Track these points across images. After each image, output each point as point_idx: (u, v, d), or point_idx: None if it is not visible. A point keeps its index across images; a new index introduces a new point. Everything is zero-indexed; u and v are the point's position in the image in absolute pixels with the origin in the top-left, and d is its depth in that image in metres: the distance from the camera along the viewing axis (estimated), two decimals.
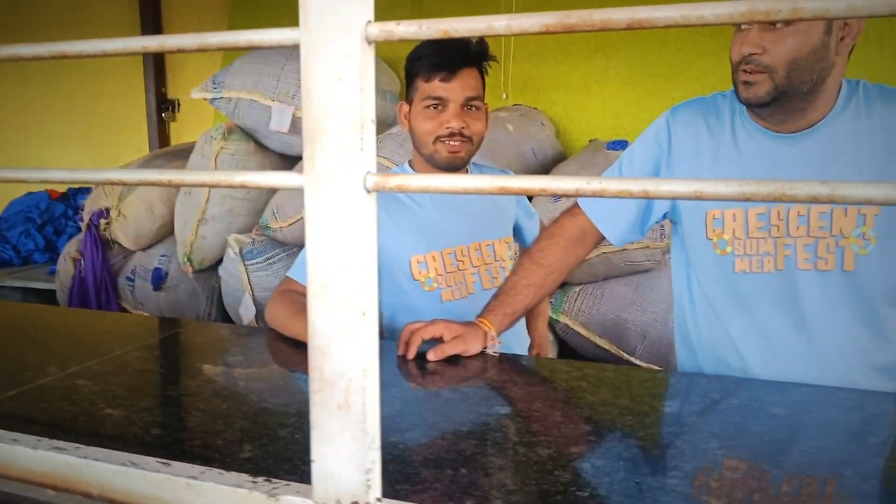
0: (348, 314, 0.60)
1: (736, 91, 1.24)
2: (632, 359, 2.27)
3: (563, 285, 2.39)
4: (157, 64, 3.74)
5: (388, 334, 1.67)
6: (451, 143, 1.55)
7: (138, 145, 3.83)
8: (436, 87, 1.54)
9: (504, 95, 3.13)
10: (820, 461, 0.94)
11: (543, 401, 1.15)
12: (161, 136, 3.76)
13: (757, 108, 1.24)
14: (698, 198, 0.48)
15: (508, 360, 1.35)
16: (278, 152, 2.70)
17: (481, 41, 1.60)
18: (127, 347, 1.40)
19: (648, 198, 0.49)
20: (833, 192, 0.46)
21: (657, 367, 2.24)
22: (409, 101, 1.61)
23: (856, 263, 1.26)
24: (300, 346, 1.36)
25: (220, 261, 2.73)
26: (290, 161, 2.74)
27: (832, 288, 1.27)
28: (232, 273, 2.62)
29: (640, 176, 1.42)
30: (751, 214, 1.30)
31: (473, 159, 1.77)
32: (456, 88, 1.54)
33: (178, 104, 3.70)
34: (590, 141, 2.93)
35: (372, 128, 0.59)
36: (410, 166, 1.67)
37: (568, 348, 2.42)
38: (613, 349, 2.28)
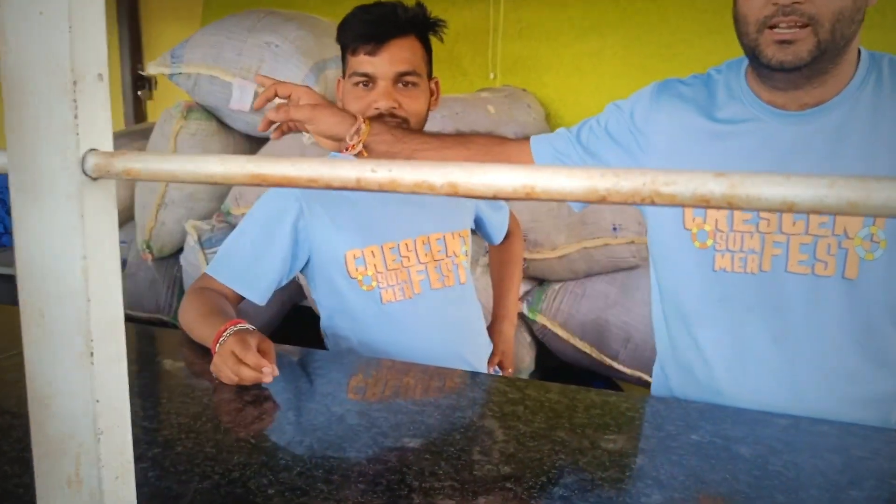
0: (73, 352, 0.42)
1: (758, 57, 1.03)
2: (614, 363, 2.08)
3: (542, 282, 2.21)
4: (132, 40, 3.55)
5: (329, 339, 1.50)
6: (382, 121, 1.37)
7: (116, 123, 3.66)
8: (362, 61, 1.36)
9: (492, 75, 2.93)
10: None
11: (464, 431, 0.97)
12: (137, 114, 3.59)
13: (789, 73, 1.02)
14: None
15: (443, 377, 1.18)
16: (243, 133, 2.53)
17: (419, 5, 1.41)
18: None
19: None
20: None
21: (640, 374, 2.05)
22: (344, 76, 1.43)
23: (860, 270, 1.07)
24: (204, 355, 1.19)
25: (181, 248, 2.57)
26: (256, 142, 2.56)
27: (827, 297, 1.08)
28: (192, 262, 2.46)
29: (603, 143, 1.22)
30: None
31: None
32: (385, 62, 1.35)
33: (155, 81, 3.53)
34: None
35: (98, 85, 0.41)
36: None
37: (546, 351, 2.24)
38: (594, 353, 2.09)
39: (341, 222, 1.41)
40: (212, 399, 1.08)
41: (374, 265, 1.40)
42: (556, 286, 2.15)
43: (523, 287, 2.17)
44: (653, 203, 0.33)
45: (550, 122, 2.85)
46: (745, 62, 1.13)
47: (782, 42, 0.99)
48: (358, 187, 0.37)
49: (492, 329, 1.70)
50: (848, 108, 1.05)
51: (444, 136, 1.31)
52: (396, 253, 1.42)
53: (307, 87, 1.23)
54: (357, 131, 1.19)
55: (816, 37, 0.98)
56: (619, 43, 2.76)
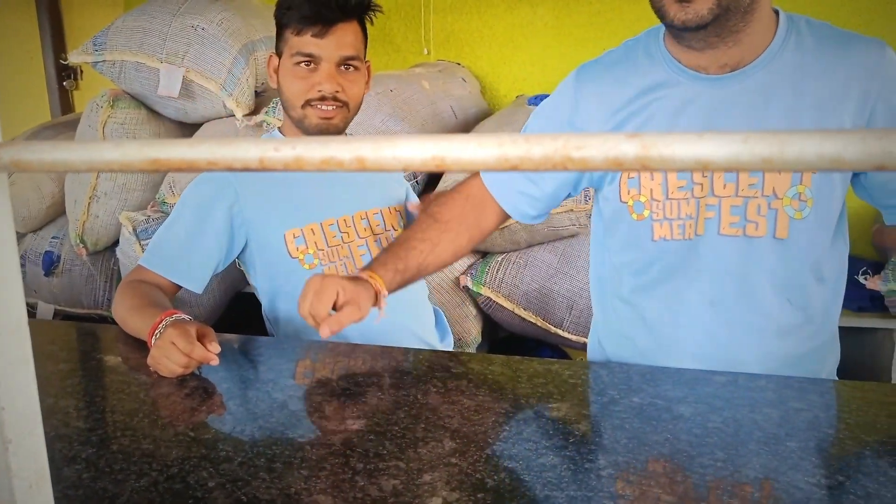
0: None
1: (665, 18, 1.03)
2: (559, 332, 2.10)
3: (484, 255, 2.21)
4: (54, 28, 3.41)
5: (272, 324, 1.47)
6: (324, 107, 1.34)
7: (41, 116, 3.53)
8: (307, 42, 1.33)
9: (426, 51, 2.90)
10: (724, 478, 0.77)
11: (408, 409, 0.97)
12: (64, 105, 3.45)
13: (695, 32, 1.02)
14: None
15: (387, 356, 1.17)
16: (175, 119, 2.46)
17: None
18: None
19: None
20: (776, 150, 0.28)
21: (586, 340, 2.07)
22: (279, 54, 1.39)
23: (790, 229, 1.08)
24: (140, 349, 1.15)
25: (117, 241, 2.49)
26: (189, 129, 2.49)
27: (759, 258, 1.10)
28: (129, 254, 2.39)
29: None
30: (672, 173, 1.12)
31: (359, 121, 1.56)
32: (331, 46, 1.33)
33: (81, 71, 3.40)
34: (516, 97, 2.72)
35: None
36: (280, 132, 1.45)
37: (493, 323, 2.25)
38: (539, 322, 2.11)
39: (277, 202, 1.38)
40: (149, 394, 1.05)
41: (315, 243, 1.38)
42: (499, 258, 2.16)
43: (466, 260, 2.17)
44: (566, 168, 0.32)
45: (486, 95, 2.84)
46: (663, 29, 1.13)
47: (682, 1, 0.99)
48: (261, 167, 0.35)
49: None
50: (770, 70, 1.06)
51: (421, 214, 1.27)
52: (336, 230, 1.40)
53: (333, 280, 1.08)
54: (381, 298, 1.13)
55: None
56: (549, 13, 2.76)
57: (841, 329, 2.15)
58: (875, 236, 2.26)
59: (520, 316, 2.12)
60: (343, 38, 1.34)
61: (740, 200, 1.08)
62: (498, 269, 2.13)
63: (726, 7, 1.00)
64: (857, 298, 2.05)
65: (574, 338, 2.10)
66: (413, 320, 1.44)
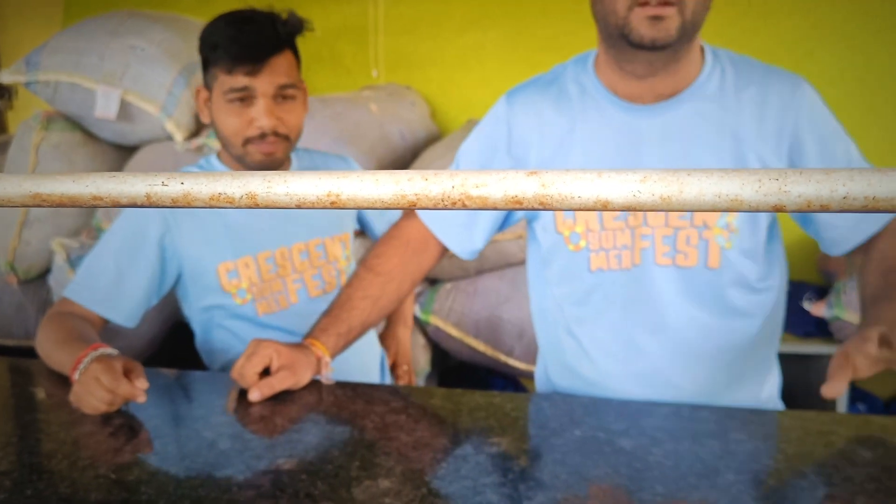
0: None
1: (627, 36, 1.02)
2: (508, 360, 2.08)
3: (434, 282, 2.18)
4: None
5: (206, 357, 1.42)
6: (265, 144, 1.29)
7: None
8: (240, 79, 1.26)
9: (375, 73, 2.88)
10: None
11: (343, 446, 0.93)
12: None
13: (657, 52, 1.02)
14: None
15: (323, 391, 1.13)
16: (112, 142, 2.38)
17: (293, 14, 1.33)
18: None
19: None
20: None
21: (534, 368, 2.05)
22: (208, 88, 1.33)
23: (721, 259, 1.08)
24: (68, 385, 1.09)
25: (50, 269, 2.40)
26: (128, 151, 2.42)
27: (693, 287, 1.10)
28: (61, 282, 2.30)
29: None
30: None
31: (305, 145, 1.53)
32: (265, 79, 1.27)
33: (16, 91, 3.30)
34: (466, 121, 2.72)
35: None
36: (219, 159, 1.41)
37: (443, 352, 2.21)
38: (489, 350, 2.08)
39: (211, 235, 1.33)
40: (70, 433, 0.99)
41: (249, 277, 1.34)
42: (448, 286, 2.14)
43: (415, 289, 2.14)
44: (464, 206, 0.29)
45: (436, 119, 2.83)
46: (592, 57, 1.13)
47: (654, 18, 0.99)
48: (149, 203, 0.32)
49: (386, 334, 1.66)
50: (696, 101, 1.08)
51: (359, 267, 1.25)
52: (272, 263, 1.36)
53: (271, 345, 1.09)
54: (324, 365, 1.13)
55: (682, 16, 0.99)
56: (501, 36, 2.77)
57: (787, 355, 2.18)
58: (819, 262, 2.30)
59: (469, 345, 2.09)
60: (277, 70, 1.28)
61: (671, 231, 1.08)
62: (447, 298, 2.11)
63: (686, 29, 1.01)
64: (803, 324, 2.08)
65: (524, 366, 2.08)
66: (353, 357, 1.40)
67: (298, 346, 1.13)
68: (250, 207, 0.30)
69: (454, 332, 2.09)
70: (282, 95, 1.29)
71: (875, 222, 1.12)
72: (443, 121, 2.86)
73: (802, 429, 0.97)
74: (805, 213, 1.06)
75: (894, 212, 0.29)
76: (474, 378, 2.50)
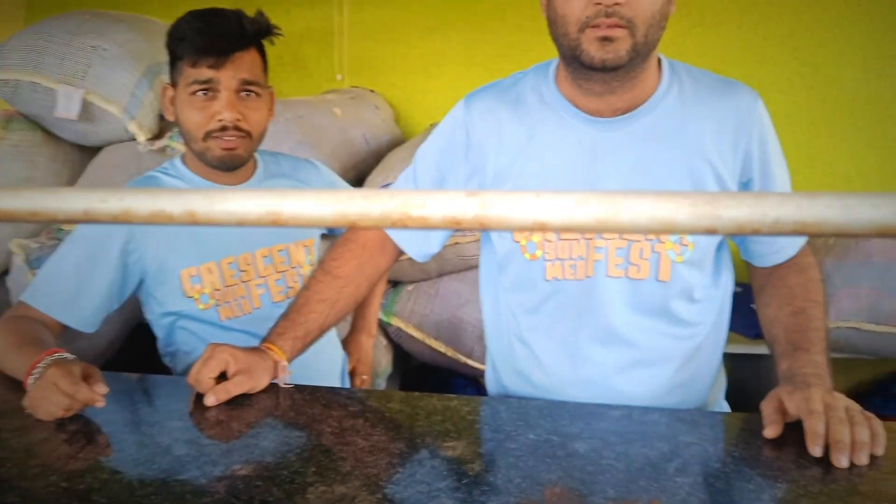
0: None
1: (579, 58, 1.02)
2: (469, 361, 2.09)
3: (395, 284, 2.19)
4: None
5: (169, 361, 1.41)
6: (226, 138, 1.30)
7: None
8: (204, 71, 1.28)
9: (339, 76, 2.88)
10: None
11: (300, 451, 0.94)
12: None
13: (607, 73, 1.03)
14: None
15: (282, 395, 1.13)
16: (74, 143, 2.35)
17: (260, 14, 1.35)
18: None
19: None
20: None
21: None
22: (174, 84, 1.34)
23: (672, 273, 1.11)
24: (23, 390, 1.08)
25: (7, 270, 2.36)
26: (90, 152, 2.39)
27: (644, 299, 1.12)
28: (20, 284, 2.26)
29: (431, 177, 1.22)
30: None
31: (267, 149, 1.53)
32: (229, 73, 1.28)
33: None
34: (429, 125, 2.73)
35: None
36: (183, 163, 1.40)
37: (403, 352, 2.22)
38: (450, 352, 2.10)
39: (175, 239, 1.33)
40: (21, 440, 0.98)
41: (212, 283, 1.33)
42: (410, 287, 2.15)
43: None
44: (405, 226, 0.31)
45: (399, 123, 2.84)
46: (553, 67, 1.14)
47: (604, 40, 1.00)
48: (88, 219, 0.33)
49: (349, 340, 1.67)
50: (655, 114, 1.09)
51: (317, 270, 1.26)
52: (235, 268, 1.36)
53: (226, 349, 1.09)
54: (281, 369, 1.14)
55: (633, 38, 1.00)
56: (462, 43, 2.79)
57: (738, 355, 2.23)
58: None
59: (430, 346, 2.11)
60: (241, 65, 1.30)
61: (625, 243, 1.10)
62: (408, 299, 2.12)
63: (638, 51, 1.02)
64: (753, 326, 2.11)
65: (484, 367, 2.10)
66: (315, 361, 1.40)
67: (255, 350, 1.13)
68: (189, 224, 0.31)
69: (415, 333, 2.10)
70: (245, 91, 1.31)
71: (797, 245, 1.17)
72: (406, 125, 2.87)
73: (750, 431, 1.00)
74: None
75: (822, 236, 0.30)
76: (436, 379, 2.51)
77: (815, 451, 0.90)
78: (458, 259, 2.08)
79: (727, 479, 0.87)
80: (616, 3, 0.98)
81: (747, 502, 0.82)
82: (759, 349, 2.14)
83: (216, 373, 1.08)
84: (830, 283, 2.00)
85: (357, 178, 2.31)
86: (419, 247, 1.24)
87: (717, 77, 1.13)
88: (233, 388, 1.07)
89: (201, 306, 1.33)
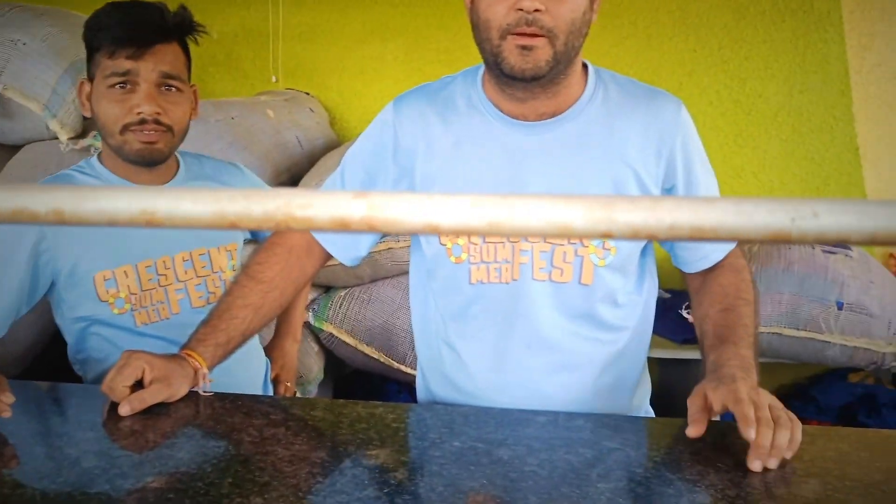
0: None
1: (500, 65, 1.02)
2: (402, 367, 2.08)
3: (328, 289, 2.16)
4: None
5: (79, 368, 1.35)
6: (145, 131, 1.26)
7: None
8: (122, 62, 1.24)
9: (274, 78, 2.83)
10: None
11: (217, 462, 0.91)
12: None
13: (528, 82, 1.04)
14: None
15: (201, 404, 1.09)
16: None
17: (184, 9, 1.32)
18: None
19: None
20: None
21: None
22: (91, 79, 1.30)
23: (594, 276, 1.12)
24: None
25: None
26: (9, 150, 2.29)
27: (567, 302, 1.12)
28: None
29: (360, 180, 1.21)
30: None
31: (198, 150, 1.49)
32: (148, 65, 1.25)
33: None
34: None
35: None
36: (100, 161, 1.35)
37: (335, 359, 2.19)
38: (382, 358, 2.08)
39: (89, 241, 1.28)
40: None
41: (128, 286, 1.29)
42: (342, 293, 2.12)
43: (309, 295, 2.11)
44: (289, 227, 0.29)
45: (335, 127, 2.81)
46: (481, 71, 1.14)
47: (524, 49, 1.00)
48: None
49: (273, 346, 1.63)
50: (580, 119, 1.10)
51: (240, 274, 1.22)
52: (153, 272, 1.31)
53: (142, 356, 1.06)
54: (202, 377, 1.10)
55: (553, 47, 1.01)
56: (400, 48, 2.77)
57: (666, 360, 2.26)
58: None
59: (363, 352, 2.08)
60: (162, 58, 1.26)
61: (548, 247, 1.11)
62: (341, 305, 2.09)
63: (559, 59, 1.02)
64: (682, 331, 2.16)
65: (416, 373, 2.09)
66: (237, 368, 1.36)
67: (174, 357, 1.09)
68: (56, 224, 0.29)
69: (348, 339, 2.07)
70: (166, 85, 1.27)
71: (724, 251, 1.18)
72: (342, 129, 2.84)
73: (672, 436, 1.01)
74: None
75: (718, 240, 0.30)
76: (369, 385, 2.49)
77: (750, 433, 0.89)
78: (392, 264, 2.06)
79: (648, 485, 0.87)
80: (537, 10, 0.99)
81: None
82: (687, 354, 2.18)
83: (131, 381, 1.04)
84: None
85: (291, 181, 2.27)
86: (347, 250, 1.23)
87: (642, 85, 1.15)
88: (149, 397, 1.03)
89: (116, 311, 1.29)
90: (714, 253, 1.19)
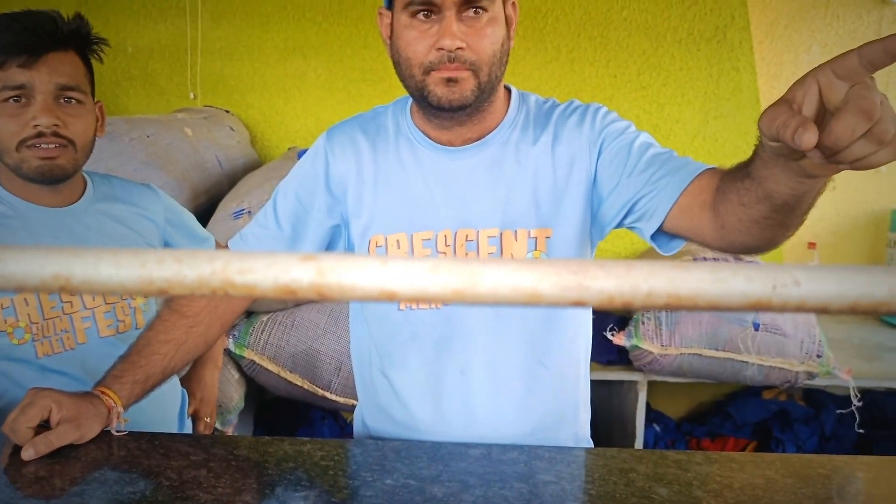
0: None
1: (426, 98, 1.03)
2: (326, 394, 2.03)
3: (249, 315, 2.09)
4: None
5: None
6: (44, 146, 1.18)
7: None
8: (14, 73, 1.16)
9: (192, 95, 2.74)
10: None
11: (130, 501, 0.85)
12: None
13: (454, 112, 1.04)
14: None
15: (112, 444, 1.02)
16: None
17: (79, 16, 1.25)
18: None
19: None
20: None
21: (354, 402, 2.02)
22: None
23: None
24: None
25: None
26: None
27: (506, 324, 1.11)
28: None
29: (292, 209, 1.17)
30: (416, 240, 1.11)
31: (111, 169, 1.41)
32: (43, 74, 1.17)
33: None
34: (288, 148, 2.65)
35: None
36: None
37: (257, 386, 2.12)
38: (307, 385, 2.02)
39: None
40: None
41: (28, 315, 1.20)
42: (264, 318, 2.05)
43: None
44: (227, 294, 0.26)
45: (256, 145, 2.75)
46: (410, 101, 1.14)
47: (449, 81, 1.01)
48: None
49: (190, 376, 1.55)
50: (503, 142, 1.11)
51: (163, 308, 1.16)
52: (56, 298, 1.23)
53: (49, 394, 1.00)
54: (116, 416, 1.04)
55: (477, 79, 1.02)
56: (322, 66, 2.74)
57: (592, 382, 2.27)
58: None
59: (286, 379, 2.02)
60: (58, 67, 1.18)
61: None
62: (262, 331, 2.03)
63: (482, 89, 1.03)
64: (606, 353, 2.19)
65: (342, 400, 2.04)
66: (149, 402, 1.29)
67: (86, 395, 1.02)
68: None
69: (270, 366, 2.01)
70: (65, 97, 1.20)
71: (696, 169, 0.99)
72: (263, 148, 2.78)
73: (605, 467, 1.00)
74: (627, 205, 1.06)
75: (697, 309, 0.28)
76: (293, 412, 2.42)
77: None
78: None
79: None
80: (459, 49, 1.00)
81: None
82: (612, 375, 2.21)
83: (36, 422, 0.97)
84: (674, 314, 2.10)
85: (210, 202, 2.20)
86: None
87: (563, 104, 1.16)
88: (55, 440, 0.96)
89: (15, 341, 1.20)
90: (688, 172, 0.98)
